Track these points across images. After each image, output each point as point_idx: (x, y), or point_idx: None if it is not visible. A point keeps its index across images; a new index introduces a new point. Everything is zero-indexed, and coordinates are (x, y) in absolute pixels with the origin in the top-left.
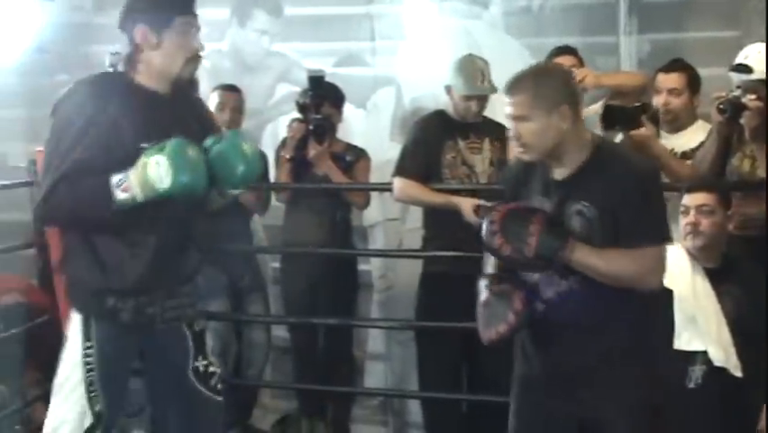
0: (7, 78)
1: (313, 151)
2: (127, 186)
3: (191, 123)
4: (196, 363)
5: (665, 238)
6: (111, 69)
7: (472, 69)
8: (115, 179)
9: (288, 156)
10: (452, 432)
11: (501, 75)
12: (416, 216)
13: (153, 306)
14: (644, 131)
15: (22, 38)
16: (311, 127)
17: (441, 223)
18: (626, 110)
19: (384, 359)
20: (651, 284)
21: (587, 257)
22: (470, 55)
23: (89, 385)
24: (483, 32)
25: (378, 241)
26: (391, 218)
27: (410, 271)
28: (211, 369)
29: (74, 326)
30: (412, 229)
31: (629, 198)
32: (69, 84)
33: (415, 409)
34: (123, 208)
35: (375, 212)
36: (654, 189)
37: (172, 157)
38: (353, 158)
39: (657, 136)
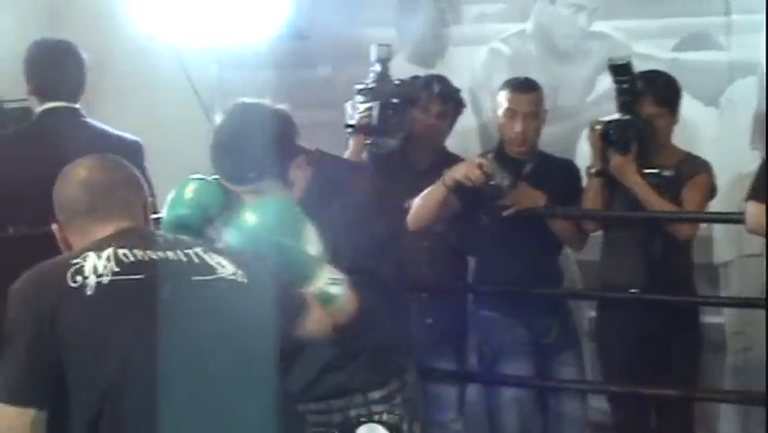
0: (256, 72)
1: (613, 162)
2: None
3: None
4: None
5: None
6: (378, 66)
7: None
8: None
9: (593, 170)
10: None
11: None
12: None
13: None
14: None
15: (277, 21)
16: (608, 131)
17: None
18: None
19: None
20: None
21: None
22: None
23: None
24: None
25: (732, 284)
26: (750, 254)
27: None
28: None
29: None
30: None
31: None
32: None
33: None
34: None
35: (729, 246)
36: None
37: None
38: (673, 172)
39: None
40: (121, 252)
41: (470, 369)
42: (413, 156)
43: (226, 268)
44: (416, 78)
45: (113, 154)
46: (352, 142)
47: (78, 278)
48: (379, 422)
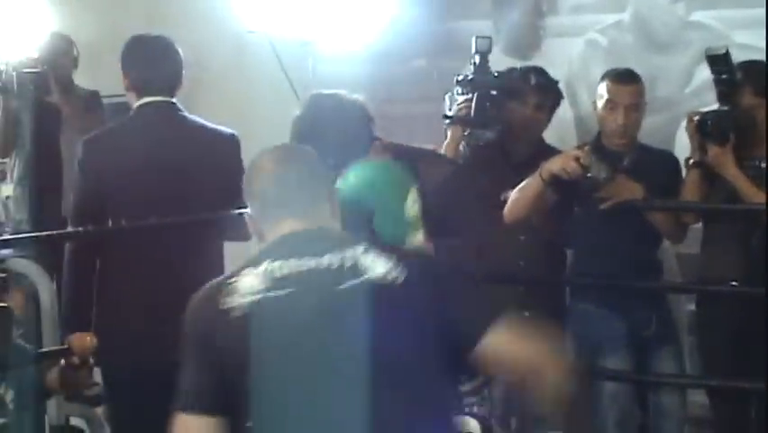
0: (352, 65)
1: (711, 153)
2: None
3: None
4: None
5: None
6: (478, 58)
7: None
8: None
9: (692, 161)
10: None
11: None
12: None
13: None
14: None
15: (377, 17)
16: (705, 122)
17: None
18: None
19: None
20: None
21: None
22: None
23: None
24: None
25: None
26: None
27: None
28: None
29: None
30: None
31: None
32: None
33: None
34: None
35: None
36: None
37: None
38: None
39: None
40: (275, 265)
41: None
42: (510, 148)
43: (378, 269)
44: (512, 69)
45: (212, 144)
46: (449, 134)
47: (228, 300)
48: (470, 414)
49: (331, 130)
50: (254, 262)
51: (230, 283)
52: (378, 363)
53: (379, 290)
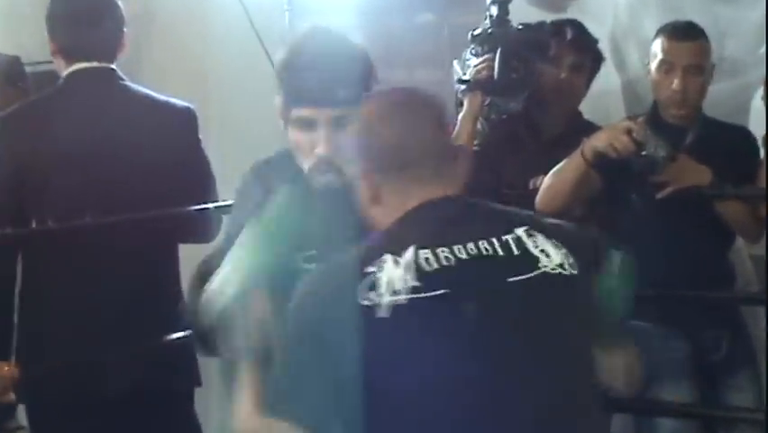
0: (339, 20)
1: None
2: None
3: None
4: None
5: None
6: (495, 8)
7: None
8: None
9: None
10: None
11: None
12: None
13: None
14: None
15: None
16: None
17: None
18: None
19: None
20: None
21: None
22: None
23: None
24: None
25: None
26: None
27: None
28: None
29: None
30: None
31: None
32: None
33: None
34: None
35: None
36: None
37: None
38: None
39: None
40: (422, 254)
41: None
42: (540, 121)
43: (552, 258)
44: (542, 23)
45: (162, 121)
46: (465, 104)
47: (372, 295)
48: None
49: (344, 61)
50: (395, 245)
51: (370, 273)
52: (548, 364)
53: (560, 283)
